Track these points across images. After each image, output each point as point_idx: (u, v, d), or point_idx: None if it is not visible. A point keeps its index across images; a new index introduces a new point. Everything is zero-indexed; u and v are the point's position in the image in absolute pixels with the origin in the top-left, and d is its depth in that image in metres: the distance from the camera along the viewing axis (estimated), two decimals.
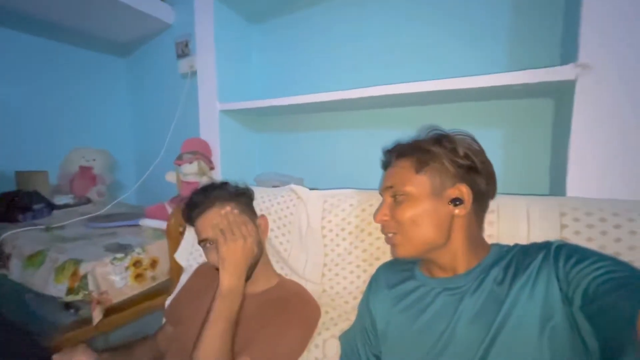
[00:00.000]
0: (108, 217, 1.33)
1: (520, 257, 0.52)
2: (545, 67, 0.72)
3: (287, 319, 0.68)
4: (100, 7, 1.42)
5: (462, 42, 1.02)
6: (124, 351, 0.74)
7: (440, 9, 1.05)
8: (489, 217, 0.65)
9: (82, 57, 1.82)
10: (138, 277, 0.96)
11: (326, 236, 0.82)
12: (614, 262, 0.43)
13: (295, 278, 0.83)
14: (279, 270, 0.85)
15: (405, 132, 1.11)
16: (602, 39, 0.66)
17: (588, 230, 0.57)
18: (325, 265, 0.81)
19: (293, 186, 0.92)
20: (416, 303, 0.58)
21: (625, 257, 0.53)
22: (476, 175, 0.56)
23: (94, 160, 1.67)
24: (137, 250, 0.99)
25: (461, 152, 0.55)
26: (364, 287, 0.74)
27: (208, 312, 0.62)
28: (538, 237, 0.60)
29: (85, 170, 1.65)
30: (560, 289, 0.45)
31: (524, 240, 0.60)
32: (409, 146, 0.60)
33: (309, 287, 0.80)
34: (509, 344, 0.46)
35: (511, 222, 0.64)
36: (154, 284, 1.02)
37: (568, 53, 0.78)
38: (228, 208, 0.68)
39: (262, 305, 0.72)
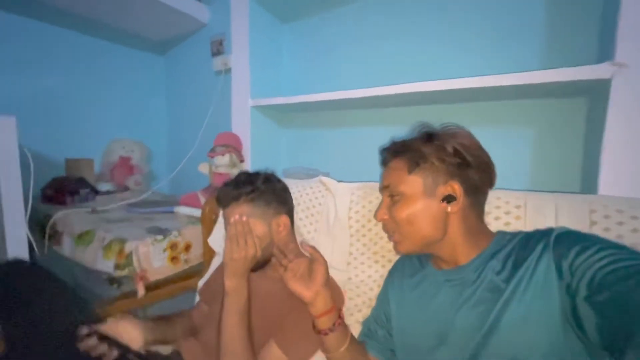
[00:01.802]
0: (146, 204, 1.42)
1: (521, 246, 0.53)
2: (579, 65, 0.72)
3: None
4: (141, 6, 1.51)
5: (496, 40, 1.02)
6: (164, 322, 0.81)
7: (473, 6, 1.06)
8: (516, 212, 0.66)
9: (124, 55, 1.94)
10: (173, 259, 1.04)
11: (352, 226, 0.86)
12: (618, 249, 0.42)
13: None
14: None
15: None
16: (639, 38, 0.65)
17: (618, 228, 0.57)
18: (351, 254, 0.85)
19: (322, 178, 0.96)
20: (424, 294, 0.61)
21: None
22: (468, 170, 0.56)
23: (133, 151, 1.78)
24: (174, 233, 1.07)
25: (450, 149, 0.56)
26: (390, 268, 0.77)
27: (221, 308, 0.70)
28: None
29: (124, 160, 1.77)
30: (561, 279, 0.44)
31: None
32: (401, 146, 0.62)
33: (335, 275, 0.83)
34: (507, 333, 0.46)
35: (538, 217, 0.64)
36: (186, 267, 1.09)
37: (604, 52, 0.77)
38: (237, 216, 0.72)
39: (288, 289, 0.76)
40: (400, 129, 1.24)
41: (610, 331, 0.38)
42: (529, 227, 0.65)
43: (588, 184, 0.83)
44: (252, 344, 0.68)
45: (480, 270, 0.54)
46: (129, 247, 0.95)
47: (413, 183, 0.58)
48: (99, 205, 1.36)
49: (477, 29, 1.05)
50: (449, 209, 0.56)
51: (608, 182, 0.70)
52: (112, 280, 1.00)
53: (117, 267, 0.93)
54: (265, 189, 0.77)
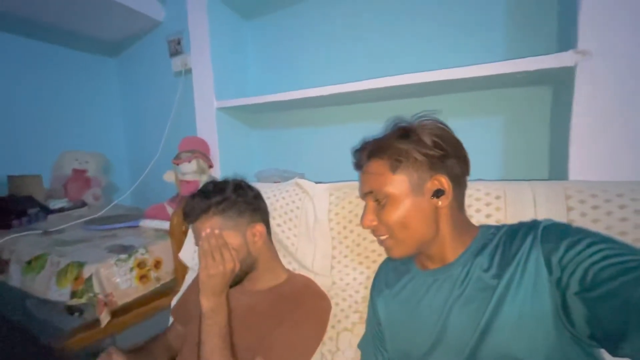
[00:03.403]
0: (106, 220, 1.30)
1: (507, 240, 0.52)
2: (542, 54, 0.74)
3: (300, 316, 0.69)
4: (87, 5, 1.38)
5: (459, 32, 1.03)
6: (143, 353, 0.74)
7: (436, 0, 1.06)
8: (497, 203, 0.66)
9: (72, 58, 1.78)
10: (142, 278, 0.95)
11: (333, 229, 0.83)
12: (609, 244, 0.42)
13: (303, 272, 0.83)
14: (287, 265, 0.85)
15: None
16: (600, 26, 0.67)
17: (594, 212, 0.58)
18: (334, 257, 0.82)
19: (298, 180, 0.91)
20: (412, 297, 0.59)
21: (630, 235, 0.55)
22: (449, 160, 0.54)
23: (87, 162, 1.63)
24: (141, 250, 0.98)
25: (429, 141, 0.54)
26: (373, 277, 0.75)
27: (199, 332, 0.64)
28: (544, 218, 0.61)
29: (78, 173, 1.62)
30: (550, 273, 0.44)
31: None
32: (377, 146, 0.58)
33: (319, 280, 0.80)
34: (503, 332, 0.46)
35: (518, 207, 0.65)
36: (158, 284, 1.01)
37: (565, 41, 0.79)
38: (208, 230, 0.66)
39: (274, 301, 0.72)
40: (372, 125, 1.22)
41: (603, 327, 0.38)
42: (509, 217, 0.65)
43: (556, 170, 0.85)
44: None
45: (468, 267, 0.53)
46: (87, 270, 0.85)
47: (399, 183, 0.55)
48: (52, 225, 1.23)
49: (443, 22, 1.06)
50: (440, 203, 0.54)
51: (577, 167, 0.71)
52: (70, 309, 0.89)
53: (75, 294, 0.84)
54: (236, 198, 0.71)
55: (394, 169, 0.55)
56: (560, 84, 0.85)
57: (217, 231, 0.66)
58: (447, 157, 0.54)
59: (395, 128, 0.59)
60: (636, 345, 0.34)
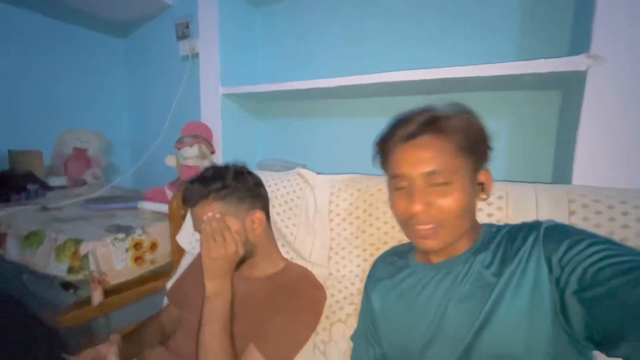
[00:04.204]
0: (105, 199, 1.30)
1: (509, 239, 0.51)
2: (553, 57, 0.73)
3: (296, 305, 0.69)
4: None
5: (471, 31, 1.02)
6: (135, 338, 0.74)
7: None
8: (498, 203, 0.66)
9: (80, 37, 1.76)
10: (137, 259, 0.95)
11: (333, 220, 0.82)
12: (610, 245, 0.42)
13: (301, 262, 0.83)
14: (285, 254, 0.85)
15: None
16: (614, 31, 0.66)
17: (596, 217, 0.58)
18: (331, 248, 0.82)
19: (300, 170, 0.91)
20: (410, 290, 0.58)
21: (631, 242, 0.54)
22: (489, 156, 0.54)
23: (88, 142, 1.63)
24: (138, 231, 0.98)
25: (485, 134, 0.52)
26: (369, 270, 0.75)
27: (200, 316, 0.63)
28: None
29: (79, 152, 1.61)
30: (551, 272, 0.44)
31: None
32: (441, 119, 0.52)
33: (316, 271, 0.80)
34: (499, 329, 0.45)
35: (520, 208, 0.64)
36: (152, 267, 1.01)
37: (577, 45, 0.79)
38: (210, 214, 0.66)
39: (270, 290, 0.72)
40: (378, 120, 1.22)
41: (600, 328, 0.38)
42: (510, 217, 0.65)
43: (560, 174, 0.85)
44: (236, 356, 0.63)
45: (470, 263, 0.52)
46: (84, 248, 0.85)
47: (464, 166, 0.50)
48: (51, 202, 1.23)
49: (454, 20, 1.05)
50: (483, 197, 0.52)
51: (582, 173, 0.71)
52: (66, 285, 0.90)
53: (71, 270, 0.84)
54: (237, 185, 0.70)
55: (459, 150, 0.51)
56: (569, 88, 0.84)
57: (218, 215, 0.66)
58: (490, 152, 0.54)
59: (458, 108, 0.53)
60: (633, 346, 0.34)
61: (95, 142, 1.65)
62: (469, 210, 0.52)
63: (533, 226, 0.50)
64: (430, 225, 0.50)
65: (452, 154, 0.50)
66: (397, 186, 0.54)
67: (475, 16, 1.01)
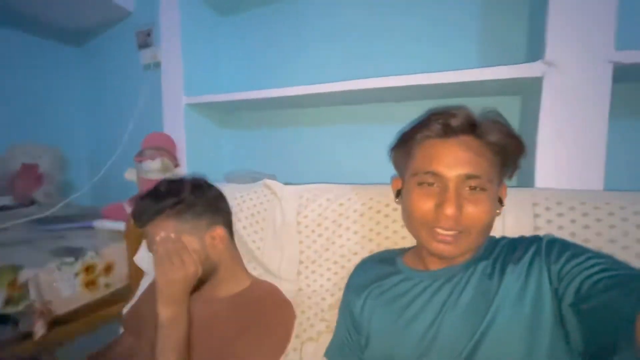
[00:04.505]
0: (57, 219, 1.19)
1: (509, 250, 0.51)
2: (511, 64, 0.75)
3: (262, 327, 0.64)
4: None
5: (433, 39, 1.04)
6: None
7: (414, 5, 1.06)
8: None
9: (29, 44, 1.63)
10: (89, 284, 0.86)
11: (302, 232, 0.79)
12: (610, 260, 0.42)
13: (269, 278, 0.79)
14: (251, 271, 0.80)
15: (380, 129, 1.13)
16: (567, 38, 0.69)
17: (559, 219, 0.59)
18: (301, 262, 0.78)
19: (267, 181, 0.87)
20: (401, 297, 0.54)
21: (593, 243, 0.55)
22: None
23: (40, 157, 1.50)
24: (90, 254, 0.89)
25: (521, 149, 0.51)
26: (341, 283, 0.71)
27: (153, 345, 0.58)
28: (513, 225, 0.60)
29: (28, 169, 1.48)
30: (551, 284, 0.43)
31: (499, 229, 0.61)
32: (490, 126, 0.49)
33: (285, 287, 0.75)
34: (498, 340, 0.44)
35: None
36: (107, 292, 0.92)
37: (533, 51, 0.81)
38: (163, 233, 0.61)
39: (235, 310, 0.67)
40: (347, 128, 1.22)
41: (594, 340, 0.38)
42: None
43: (524, 178, 0.87)
44: None
45: (471, 272, 0.50)
46: (24, 275, 0.76)
47: (495, 179, 0.48)
48: None
49: (420, 27, 1.06)
50: (498, 212, 0.50)
51: (543, 175, 0.72)
52: (3, 318, 0.79)
53: (8, 301, 0.74)
54: (194, 199, 0.65)
55: (495, 160, 0.48)
56: (528, 94, 0.86)
57: (173, 235, 0.61)
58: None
59: (490, 112, 0.50)
60: (625, 356, 0.34)
61: (47, 157, 1.53)
62: (492, 225, 0.49)
63: (534, 239, 0.50)
64: (453, 232, 0.47)
65: (491, 162, 0.48)
66: (424, 182, 0.49)
67: (439, 24, 1.03)
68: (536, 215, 0.60)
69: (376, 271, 0.62)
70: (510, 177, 0.54)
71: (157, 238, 0.60)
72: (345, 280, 0.68)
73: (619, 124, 0.77)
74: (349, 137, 1.20)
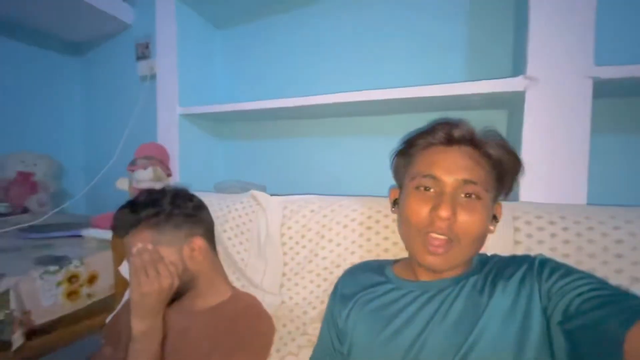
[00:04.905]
0: (46, 227, 1.19)
1: (500, 267, 0.51)
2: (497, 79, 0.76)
3: (239, 339, 0.63)
4: (54, 3, 1.32)
5: (423, 54, 1.06)
6: None
7: (403, 20, 1.08)
8: None
9: (28, 54, 1.67)
10: (71, 294, 0.85)
11: (286, 244, 0.78)
12: (598, 281, 0.42)
13: (252, 290, 0.78)
14: (235, 282, 0.79)
15: (370, 141, 1.14)
16: (547, 54, 0.70)
17: (539, 233, 0.58)
18: (284, 275, 0.77)
19: (254, 192, 0.87)
20: (389, 306, 0.53)
21: (572, 258, 0.55)
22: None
23: (35, 165, 1.51)
24: (75, 263, 0.89)
25: (518, 168, 0.53)
26: (323, 296, 0.70)
27: (125, 358, 0.57)
28: (494, 239, 0.60)
29: (24, 177, 1.49)
30: (540, 302, 0.44)
31: None
32: (491, 142, 0.51)
33: (267, 299, 0.74)
34: (485, 356, 0.43)
35: None
36: (89, 302, 0.91)
37: (517, 66, 0.82)
38: (140, 244, 0.61)
39: (212, 324, 0.66)
40: (338, 140, 1.22)
41: (579, 358, 0.38)
42: None
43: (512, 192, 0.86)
44: None
45: (462, 285, 0.50)
46: (5, 284, 0.75)
47: (492, 189, 0.50)
48: None
49: (410, 43, 1.08)
50: (491, 228, 0.51)
51: (527, 189, 0.72)
52: None
53: None
54: (172, 210, 0.65)
55: (492, 173, 0.50)
56: (514, 108, 0.87)
57: (150, 246, 0.61)
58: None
59: (496, 136, 0.52)
60: None
61: (43, 165, 1.54)
62: (483, 237, 0.50)
63: (526, 258, 0.51)
64: (445, 238, 0.47)
65: (488, 173, 0.50)
66: (423, 185, 0.50)
67: (428, 39, 1.05)
68: (516, 229, 0.60)
69: (365, 279, 0.60)
70: (505, 195, 0.54)
71: (133, 249, 0.60)
72: (328, 293, 0.67)
73: (601, 139, 0.78)
74: (340, 149, 1.21)
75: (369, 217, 0.72)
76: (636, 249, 0.52)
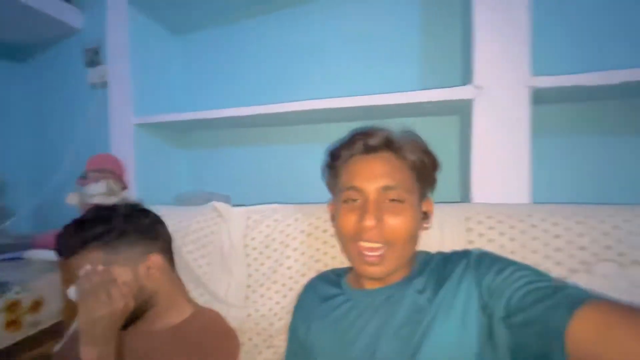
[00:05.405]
0: None
1: (441, 266, 0.52)
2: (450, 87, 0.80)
3: (203, 357, 0.60)
4: None
5: (379, 62, 1.09)
6: None
7: (361, 33, 1.12)
8: None
9: None
10: (11, 324, 0.77)
11: (249, 255, 0.77)
12: (533, 272, 0.44)
13: (216, 304, 0.75)
14: (199, 297, 0.76)
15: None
16: (490, 65, 0.75)
17: (489, 232, 0.62)
18: (249, 286, 0.75)
19: (215, 203, 0.85)
20: (343, 318, 0.54)
21: (517, 254, 0.59)
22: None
23: None
24: (15, 289, 0.81)
25: (436, 164, 0.56)
26: (290, 306, 0.70)
27: None
28: (449, 239, 0.63)
29: None
30: (480, 299, 0.45)
31: (437, 243, 0.63)
32: (406, 143, 0.53)
33: (232, 313, 0.72)
34: (430, 355, 0.44)
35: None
36: (34, 331, 0.83)
37: (467, 75, 0.88)
38: (88, 266, 0.57)
39: (175, 342, 0.62)
40: (303, 147, 1.23)
41: (524, 352, 0.39)
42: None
43: (465, 193, 0.91)
44: None
45: (405, 289, 0.51)
46: None
47: (416, 190, 0.52)
48: None
49: (366, 51, 1.11)
50: (425, 226, 0.54)
51: (478, 191, 0.77)
52: None
53: None
54: (125, 227, 0.62)
55: (413, 174, 0.53)
56: (464, 114, 0.93)
57: (100, 267, 0.57)
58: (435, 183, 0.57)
59: (407, 132, 0.56)
60: None
61: None
62: (415, 236, 0.52)
63: (464, 254, 0.52)
64: (378, 246, 0.48)
65: (407, 175, 0.52)
66: (349, 198, 0.51)
67: (383, 48, 1.09)
68: (469, 229, 0.63)
69: (323, 292, 0.61)
70: (431, 191, 0.58)
71: (81, 272, 0.55)
72: (294, 303, 0.67)
73: (544, 141, 0.85)
74: (305, 156, 1.21)
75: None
76: (572, 242, 0.57)
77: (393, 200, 0.49)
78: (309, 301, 0.62)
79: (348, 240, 0.51)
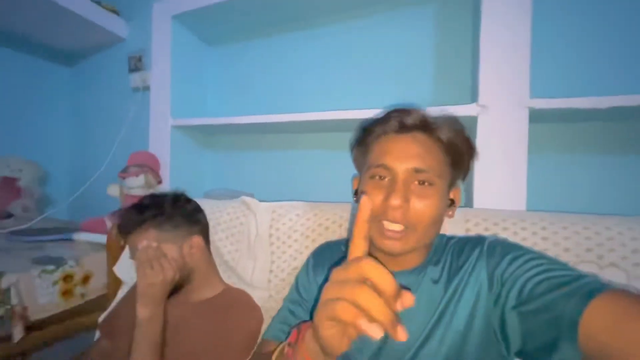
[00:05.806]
0: (35, 231, 1.22)
1: (455, 254, 0.52)
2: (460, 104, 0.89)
3: (229, 329, 0.71)
4: (45, 12, 1.37)
5: (396, 79, 1.20)
6: None
7: (379, 48, 1.22)
8: None
9: (18, 61, 1.70)
10: (66, 293, 0.90)
11: (273, 244, 0.87)
12: (546, 260, 0.43)
13: (242, 286, 0.86)
14: (227, 279, 0.87)
15: (348, 156, 1.25)
16: (494, 86, 0.85)
17: (486, 233, 0.70)
18: (271, 271, 0.86)
19: (244, 198, 0.96)
20: None
21: (510, 255, 0.67)
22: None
23: (21, 171, 1.52)
24: (70, 263, 0.93)
25: (472, 151, 0.53)
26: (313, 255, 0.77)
27: (131, 341, 0.64)
28: None
29: (8, 182, 1.50)
30: (491, 288, 0.44)
31: None
32: (442, 126, 0.51)
33: (256, 294, 0.82)
34: (438, 346, 0.45)
35: None
36: (82, 301, 0.95)
37: (475, 94, 0.97)
38: (145, 242, 0.68)
39: (204, 314, 0.73)
40: (320, 153, 1.33)
41: (534, 340, 0.39)
42: None
43: (469, 199, 1.00)
44: None
45: (421, 277, 0.51)
46: (6, 280, 0.80)
47: (445, 176, 0.49)
48: None
49: (381, 68, 1.22)
50: (450, 213, 0.51)
51: (479, 197, 0.86)
52: None
53: None
54: (173, 211, 0.74)
55: (446, 158, 0.50)
56: (470, 130, 1.01)
57: (154, 244, 0.68)
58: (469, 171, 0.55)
59: (447, 117, 0.52)
60: (565, 355, 0.35)
61: (29, 171, 1.55)
62: (439, 222, 0.50)
63: (478, 241, 0.52)
64: (401, 227, 0.47)
65: (440, 159, 0.49)
66: (376, 175, 0.50)
67: (399, 65, 1.19)
68: (467, 230, 0.72)
69: (338, 257, 0.63)
70: (463, 179, 0.56)
71: (139, 246, 0.67)
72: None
73: (539, 157, 0.93)
74: (324, 161, 1.32)
75: (348, 220, 0.83)
76: (558, 245, 0.65)
77: (422, 183, 0.47)
78: (324, 258, 0.64)
79: (371, 218, 0.51)
